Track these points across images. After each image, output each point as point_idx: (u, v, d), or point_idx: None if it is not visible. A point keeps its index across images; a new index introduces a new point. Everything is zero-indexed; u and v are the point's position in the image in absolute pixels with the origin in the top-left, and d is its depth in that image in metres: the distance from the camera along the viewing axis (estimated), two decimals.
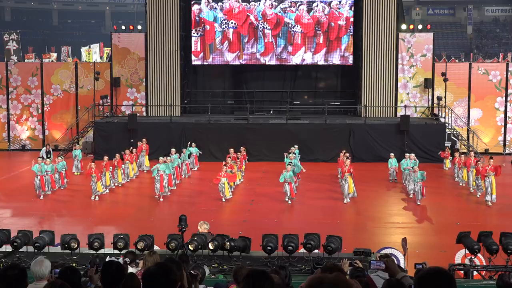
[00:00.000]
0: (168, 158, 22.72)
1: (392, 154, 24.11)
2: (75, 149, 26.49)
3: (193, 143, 26.72)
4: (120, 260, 9.95)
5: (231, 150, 24.68)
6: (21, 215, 19.39)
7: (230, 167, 21.99)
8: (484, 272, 12.11)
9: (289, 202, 20.64)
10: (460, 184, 23.46)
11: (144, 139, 26.62)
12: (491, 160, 21.26)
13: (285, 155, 23.88)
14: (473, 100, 31.28)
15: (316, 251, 12.22)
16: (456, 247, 12.73)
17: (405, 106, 30.92)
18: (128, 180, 24.31)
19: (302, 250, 12.19)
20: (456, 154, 24.46)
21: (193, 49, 32.05)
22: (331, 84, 33.56)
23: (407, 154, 23.49)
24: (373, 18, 30.75)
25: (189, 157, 26.06)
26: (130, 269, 8.43)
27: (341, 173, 21.71)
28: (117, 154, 23.69)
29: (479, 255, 12.16)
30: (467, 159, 23.27)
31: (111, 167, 22.68)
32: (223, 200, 20.85)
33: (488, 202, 20.30)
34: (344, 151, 24.62)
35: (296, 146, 25.73)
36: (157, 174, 21.36)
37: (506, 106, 31.19)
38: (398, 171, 23.71)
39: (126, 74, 32.36)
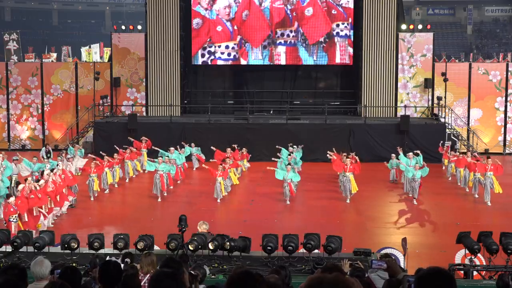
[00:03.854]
0: (167, 158, 22.71)
1: (393, 155, 24.10)
2: (75, 149, 26.41)
3: (192, 143, 26.71)
4: (119, 261, 9.96)
5: (228, 150, 24.69)
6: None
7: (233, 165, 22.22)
8: (484, 272, 12.10)
9: (288, 202, 20.60)
10: (458, 184, 23.48)
11: (143, 138, 26.54)
12: (489, 160, 21.24)
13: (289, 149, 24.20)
14: (473, 100, 31.29)
15: (316, 251, 12.21)
16: (456, 247, 12.72)
17: (405, 106, 30.93)
18: (128, 179, 24.34)
19: (302, 250, 12.18)
20: (452, 153, 24.54)
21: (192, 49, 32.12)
22: (331, 84, 33.58)
23: (409, 154, 23.46)
24: (373, 18, 30.76)
25: (188, 158, 26.07)
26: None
27: (343, 172, 21.59)
28: (115, 154, 23.71)
29: (479, 255, 12.15)
30: (463, 158, 23.31)
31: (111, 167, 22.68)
32: (218, 200, 20.81)
33: (487, 202, 20.33)
34: (335, 152, 24.43)
35: (295, 146, 25.67)
36: (157, 175, 21.34)
37: (506, 106, 31.20)
38: (398, 171, 23.72)
39: (126, 74, 32.36)
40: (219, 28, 31.90)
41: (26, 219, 16.02)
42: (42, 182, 17.35)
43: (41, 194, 16.66)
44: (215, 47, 31.95)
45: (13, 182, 20.60)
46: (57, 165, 20.50)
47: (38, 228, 15.86)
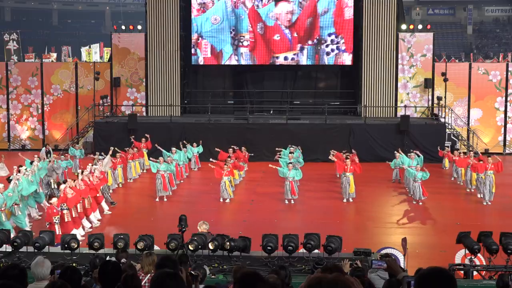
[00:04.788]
0: (169, 158, 22.70)
1: (397, 154, 24.06)
2: (76, 149, 26.39)
3: (194, 143, 26.73)
4: (113, 258, 9.97)
5: (230, 150, 24.67)
6: None
7: (234, 164, 22.21)
8: (484, 272, 12.11)
9: (292, 202, 20.60)
10: (458, 184, 23.48)
11: (143, 138, 26.56)
12: (490, 159, 21.27)
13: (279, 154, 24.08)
14: (473, 100, 31.29)
15: (316, 251, 12.22)
16: (456, 247, 12.73)
17: (405, 106, 30.93)
18: (131, 180, 24.34)
19: (302, 250, 12.18)
20: (455, 153, 24.49)
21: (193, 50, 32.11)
22: (331, 84, 33.57)
23: (410, 154, 23.40)
24: (373, 18, 30.75)
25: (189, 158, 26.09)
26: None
27: (344, 173, 21.56)
28: (117, 154, 23.71)
29: (479, 255, 12.16)
30: (466, 158, 23.29)
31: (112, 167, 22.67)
32: (221, 200, 20.81)
33: (487, 202, 20.34)
34: (336, 152, 24.38)
35: (294, 146, 25.61)
36: (158, 175, 21.34)
37: (506, 106, 31.20)
38: (401, 171, 23.67)
39: (126, 74, 32.36)
40: (276, 37, 31.69)
41: (70, 219, 16.13)
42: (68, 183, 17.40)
43: (76, 193, 16.94)
44: (274, 57, 31.85)
45: (52, 183, 20.82)
46: (93, 165, 20.60)
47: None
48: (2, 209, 16.10)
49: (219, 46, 31.93)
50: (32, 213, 18.68)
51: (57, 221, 15.70)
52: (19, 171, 18.57)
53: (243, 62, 32.16)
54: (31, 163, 20.35)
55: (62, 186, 16.90)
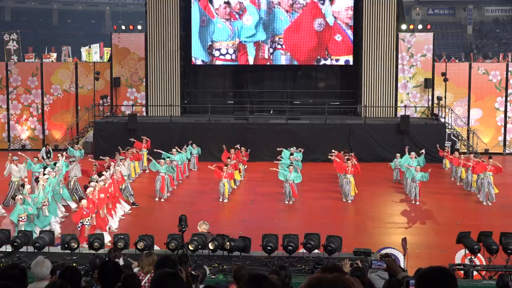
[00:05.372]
0: (168, 159, 22.68)
1: (398, 155, 24.05)
2: (75, 149, 26.37)
3: (193, 144, 26.74)
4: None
5: (232, 150, 24.65)
6: None
7: (234, 166, 22.16)
8: (484, 272, 12.11)
9: (291, 202, 20.60)
10: (458, 184, 23.48)
11: (143, 138, 26.56)
12: (490, 160, 21.27)
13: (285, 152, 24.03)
14: (473, 100, 31.29)
15: (316, 251, 12.22)
16: (456, 247, 12.73)
17: (405, 106, 30.93)
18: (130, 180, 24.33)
19: (302, 250, 12.18)
20: (456, 154, 24.47)
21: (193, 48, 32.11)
22: (331, 84, 33.57)
23: (411, 153, 23.36)
24: (373, 18, 30.75)
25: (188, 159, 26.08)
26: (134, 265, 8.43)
27: (344, 174, 21.52)
28: (117, 154, 23.69)
29: (479, 255, 12.16)
30: (467, 159, 23.28)
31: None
32: (220, 200, 20.84)
33: (486, 202, 20.34)
34: (336, 152, 24.31)
35: (294, 147, 25.55)
36: (159, 176, 21.35)
37: (506, 106, 31.20)
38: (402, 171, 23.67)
39: (126, 74, 32.35)
40: (338, 38, 31.37)
41: (95, 222, 16.12)
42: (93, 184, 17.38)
43: (103, 194, 16.94)
44: (331, 59, 31.63)
45: (72, 183, 20.88)
46: (116, 166, 20.55)
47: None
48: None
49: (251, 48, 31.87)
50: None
51: (87, 223, 15.72)
52: (44, 174, 18.59)
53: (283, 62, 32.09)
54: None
55: (89, 190, 16.84)
